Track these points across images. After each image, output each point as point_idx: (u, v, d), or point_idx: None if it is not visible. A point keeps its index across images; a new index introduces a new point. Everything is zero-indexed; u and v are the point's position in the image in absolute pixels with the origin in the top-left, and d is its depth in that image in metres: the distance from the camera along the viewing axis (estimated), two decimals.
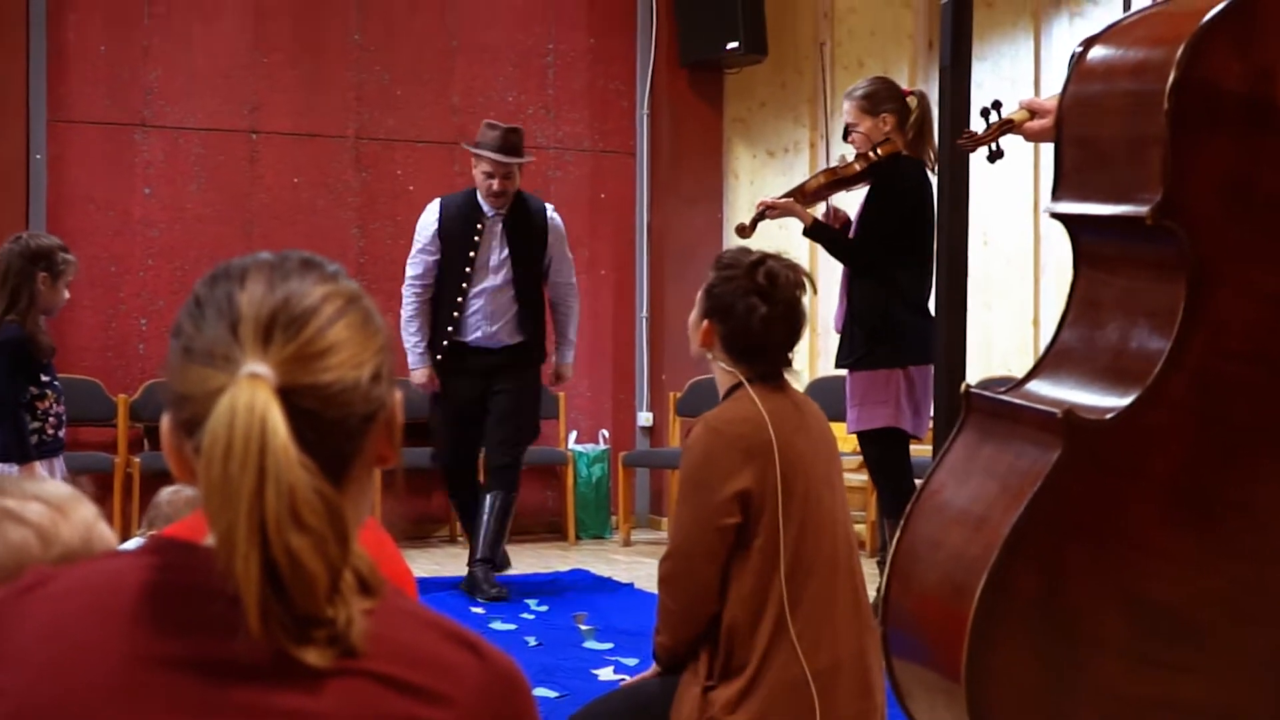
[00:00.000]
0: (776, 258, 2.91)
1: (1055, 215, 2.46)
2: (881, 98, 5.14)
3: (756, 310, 2.83)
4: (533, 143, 8.05)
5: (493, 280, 6.04)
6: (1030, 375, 2.51)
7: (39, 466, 4.53)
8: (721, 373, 2.94)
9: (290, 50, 7.58)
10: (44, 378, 4.61)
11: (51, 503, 1.61)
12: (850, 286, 5.22)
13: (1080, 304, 2.48)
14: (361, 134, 7.71)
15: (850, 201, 5.45)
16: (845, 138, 5.22)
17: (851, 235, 5.21)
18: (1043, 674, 2.26)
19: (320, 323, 1.14)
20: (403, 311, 6.05)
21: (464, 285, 6.03)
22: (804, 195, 5.19)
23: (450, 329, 6.05)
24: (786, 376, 2.95)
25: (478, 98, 7.93)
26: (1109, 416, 2.26)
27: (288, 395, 1.10)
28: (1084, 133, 2.43)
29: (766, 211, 5.15)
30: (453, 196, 6.24)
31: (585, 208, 8.14)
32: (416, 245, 6.11)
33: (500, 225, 6.05)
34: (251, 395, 1.08)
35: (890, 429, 5.06)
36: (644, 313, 8.25)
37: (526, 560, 6.88)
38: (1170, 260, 2.28)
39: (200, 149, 7.44)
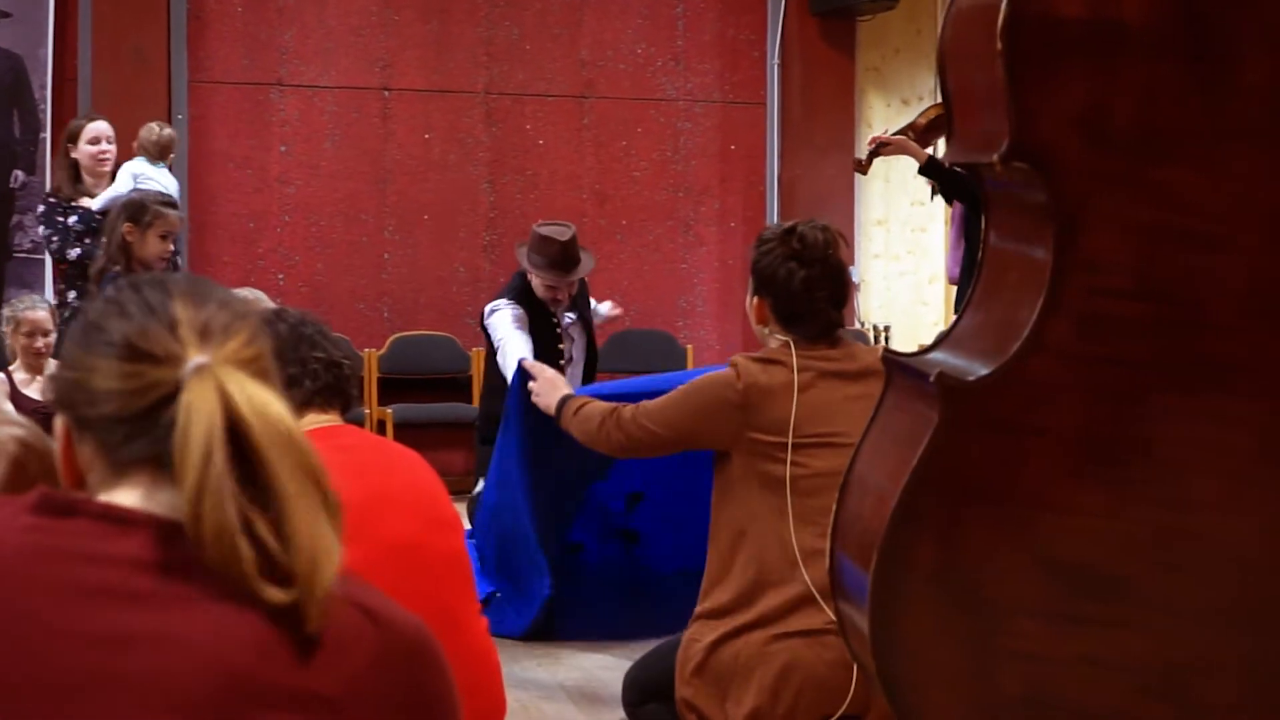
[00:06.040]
0: (808, 222, 3.06)
1: (952, 165, 2.36)
2: None
3: (796, 274, 2.99)
4: (662, 94, 8.03)
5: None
6: (945, 334, 2.41)
7: None
8: (777, 345, 3.06)
9: (420, 7, 7.71)
10: None
11: None
12: (970, 231, 5.08)
13: (988, 260, 2.36)
14: (491, 89, 7.80)
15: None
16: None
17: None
18: (955, 645, 2.15)
19: None
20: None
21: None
22: (916, 131, 5.08)
23: None
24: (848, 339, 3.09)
25: (607, 50, 7.93)
26: (984, 373, 2.15)
27: None
28: (955, 80, 2.31)
29: (880, 148, 5.04)
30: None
31: (715, 159, 8.08)
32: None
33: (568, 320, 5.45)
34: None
35: None
36: None
37: None
38: (1036, 203, 2.15)
39: (334, 106, 7.64)
